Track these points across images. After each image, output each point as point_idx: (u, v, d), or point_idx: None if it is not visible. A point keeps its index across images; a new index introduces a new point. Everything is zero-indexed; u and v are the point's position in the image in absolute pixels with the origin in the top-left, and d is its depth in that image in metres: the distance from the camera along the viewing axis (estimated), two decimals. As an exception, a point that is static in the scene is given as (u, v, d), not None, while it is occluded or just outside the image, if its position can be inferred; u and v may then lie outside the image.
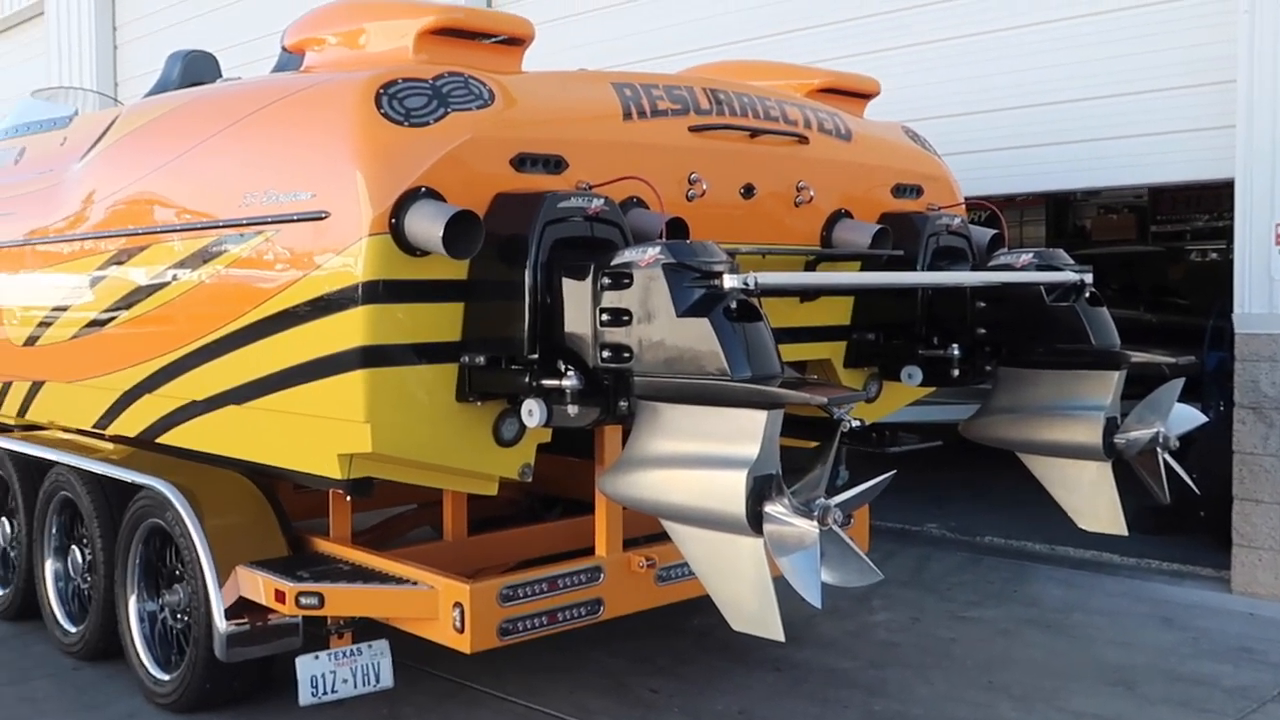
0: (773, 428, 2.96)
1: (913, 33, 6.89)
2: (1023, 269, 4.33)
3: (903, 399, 4.94)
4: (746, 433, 2.96)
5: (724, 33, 7.59)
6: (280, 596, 3.85)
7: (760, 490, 2.94)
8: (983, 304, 4.39)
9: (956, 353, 4.35)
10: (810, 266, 4.38)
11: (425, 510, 5.37)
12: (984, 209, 5.33)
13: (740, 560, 3.05)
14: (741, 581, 3.09)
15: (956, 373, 4.38)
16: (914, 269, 4.46)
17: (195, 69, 5.26)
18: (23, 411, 5.25)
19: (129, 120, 4.60)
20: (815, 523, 2.91)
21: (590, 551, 4.18)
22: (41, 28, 15.50)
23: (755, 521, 2.95)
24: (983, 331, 4.41)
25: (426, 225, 3.18)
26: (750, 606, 3.09)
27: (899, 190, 4.67)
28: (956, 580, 6.18)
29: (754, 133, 4.15)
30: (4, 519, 5.68)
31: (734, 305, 3.09)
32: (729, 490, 2.95)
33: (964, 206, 4.98)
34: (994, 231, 4.84)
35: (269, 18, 11.58)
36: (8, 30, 16.63)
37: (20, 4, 15.93)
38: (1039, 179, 6.62)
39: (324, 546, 4.27)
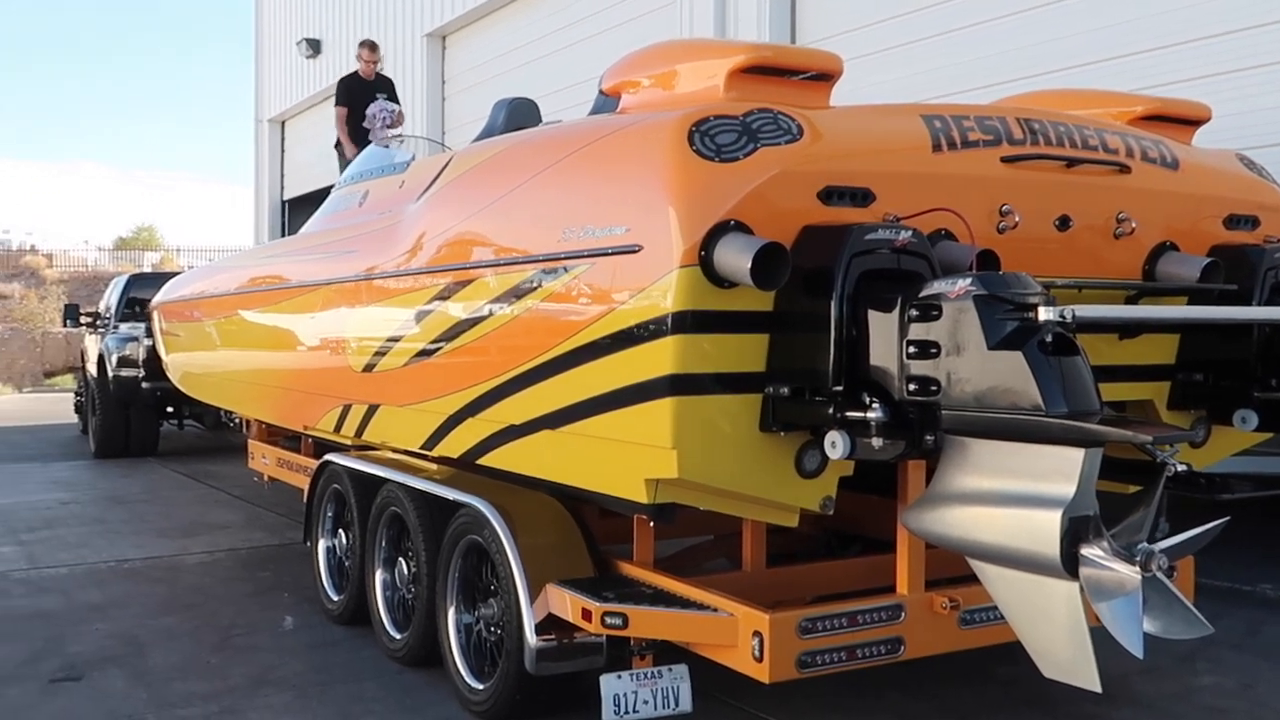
0: (1090, 466, 2.85)
1: (1249, 54, 6.43)
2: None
3: (1232, 446, 4.60)
4: (1062, 471, 2.86)
5: (1038, 62, 7.34)
6: (587, 615, 3.99)
7: (1076, 531, 2.83)
8: (1332, 344, 4.04)
9: (1301, 396, 4.02)
10: (1131, 301, 4.17)
11: (721, 542, 5.44)
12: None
13: (1053, 604, 2.93)
14: (1054, 627, 2.97)
15: (1300, 418, 4.05)
16: (1248, 305, 4.15)
17: (518, 115, 5.61)
18: (359, 432, 5.69)
19: (460, 164, 4.95)
20: (1137, 568, 2.76)
21: (890, 590, 4.12)
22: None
23: (1070, 564, 2.83)
24: (1332, 374, 4.05)
25: (735, 257, 3.25)
26: (1063, 654, 2.96)
27: (1232, 221, 4.37)
28: (1297, 647, 5.65)
29: (1070, 162, 4.00)
30: (340, 531, 6.20)
31: (1049, 338, 2.99)
32: (1042, 530, 2.85)
33: (1307, 239, 4.58)
34: (1343, 266, 4.43)
35: (579, 68, 12.25)
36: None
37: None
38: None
39: (628, 570, 4.40)
